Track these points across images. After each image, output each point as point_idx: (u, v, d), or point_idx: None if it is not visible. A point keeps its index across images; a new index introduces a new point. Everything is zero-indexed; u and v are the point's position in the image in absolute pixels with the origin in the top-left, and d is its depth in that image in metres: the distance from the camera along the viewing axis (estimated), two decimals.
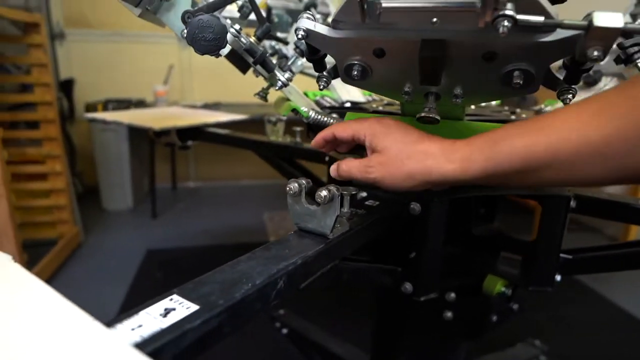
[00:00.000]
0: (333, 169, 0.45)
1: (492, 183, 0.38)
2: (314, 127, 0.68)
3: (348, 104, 0.83)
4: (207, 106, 2.56)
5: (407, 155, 0.39)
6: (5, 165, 1.53)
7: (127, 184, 2.61)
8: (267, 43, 0.88)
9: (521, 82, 0.40)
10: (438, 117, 0.44)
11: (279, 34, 0.95)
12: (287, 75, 0.60)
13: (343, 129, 0.45)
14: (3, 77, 1.89)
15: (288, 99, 0.67)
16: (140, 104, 2.63)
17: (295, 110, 0.65)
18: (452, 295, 0.70)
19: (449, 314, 0.72)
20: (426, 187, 0.40)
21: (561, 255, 0.65)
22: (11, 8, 2.43)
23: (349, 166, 0.43)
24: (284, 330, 1.29)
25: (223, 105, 2.66)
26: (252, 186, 3.14)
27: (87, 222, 2.26)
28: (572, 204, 0.63)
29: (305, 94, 0.76)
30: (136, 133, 2.53)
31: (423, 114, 0.45)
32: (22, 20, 1.73)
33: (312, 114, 0.63)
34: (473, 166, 0.36)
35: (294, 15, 1.00)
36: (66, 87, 2.63)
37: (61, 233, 1.98)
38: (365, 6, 0.35)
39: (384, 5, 0.34)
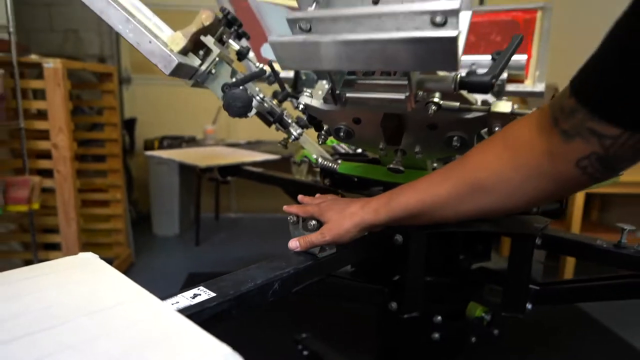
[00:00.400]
0: (295, 245, 0.56)
1: (402, 223, 0.53)
2: (324, 170, 0.84)
3: (360, 150, 0.98)
4: (250, 144, 2.80)
5: (342, 218, 0.54)
6: (77, 194, 1.80)
7: (176, 212, 2.87)
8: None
9: (459, 145, 0.54)
10: (402, 169, 0.59)
11: (305, 89, 1.13)
12: (299, 130, 0.76)
13: (304, 211, 0.59)
14: (80, 117, 2.21)
15: (302, 147, 0.83)
16: (192, 140, 2.92)
17: (307, 157, 0.82)
18: (439, 318, 0.81)
19: (436, 335, 0.83)
20: (362, 233, 0.55)
21: (531, 286, 0.75)
22: (90, 56, 2.84)
23: (307, 240, 0.56)
24: (305, 352, 1.41)
25: (263, 143, 2.90)
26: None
27: (139, 245, 2.51)
28: (538, 241, 0.74)
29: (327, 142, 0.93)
30: (186, 167, 2.80)
31: (391, 166, 0.59)
32: (99, 71, 2.05)
33: (320, 160, 0.79)
34: (381, 215, 0.51)
35: (320, 73, 1.18)
36: (129, 125, 2.98)
37: (116, 254, 2.23)
38: (336, 96, 0.51)
39: (347, 95, 0.50)
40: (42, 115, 1.76)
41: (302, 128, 0.78)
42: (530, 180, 0.43)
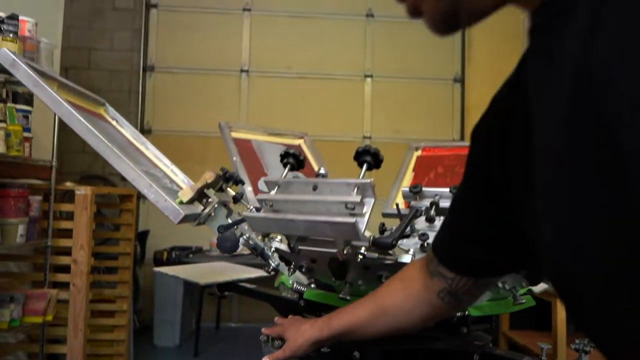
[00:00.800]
0: None
1: (341, 339, 0.68)
2: (297, 293, 1.01)
3: None
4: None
5: (298, 335, 0.70)
6: (88, 305, 1.95)
7: (177, 323, 2.95)
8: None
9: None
10: (348, 298, 0.77)
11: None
12: (277, 262, 0.96)
13: (272, 331, 0.77)
14: (99, 233, 2.45)
15: (282, 273, 1.02)
16: (199, 251, 3.11)
17: (284, 282, 1.00)
18: None
19: None
20: (313, 347, 0.70)
21: None
22: (114, 174, 3.18)
23: (273, 356, 0.71)
24: None
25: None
26: None
27: (138, 355, 2.55)
28: (476, 357, 0.88)
29: None
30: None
31: (340, 295, 0.77)
32: (121, 193, 2.35)
33: (295, 286, 0.98)
34: (324, 332, 0.67)
35: None
36: (142, 236, 3.21)
37: None
38: (291, 248, 0.72)
39: (299, 247, 0.71)
40: (66, 232, 2.00)
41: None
42: (416, 306, 0.60)
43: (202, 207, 1.00)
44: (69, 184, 1.98)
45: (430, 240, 1.20)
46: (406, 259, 0.68)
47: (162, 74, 3.45)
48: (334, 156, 3.34)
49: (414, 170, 1.89)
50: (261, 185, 1.57)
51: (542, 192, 0.34)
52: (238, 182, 1.11)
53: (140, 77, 3.43)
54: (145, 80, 3.45)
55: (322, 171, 0.94)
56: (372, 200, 0.64)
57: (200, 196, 1.00)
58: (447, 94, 3.48)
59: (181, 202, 0.96)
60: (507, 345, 2.61)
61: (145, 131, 3.42)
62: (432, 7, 0.38)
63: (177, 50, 3.45)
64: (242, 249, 0.96)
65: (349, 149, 3.41)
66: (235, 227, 0.96)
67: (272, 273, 1.00)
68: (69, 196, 1.99)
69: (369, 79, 3.45)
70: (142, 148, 1.31)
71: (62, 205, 1.97)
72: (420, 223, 1.39)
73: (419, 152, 1.98)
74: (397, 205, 1.60)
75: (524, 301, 0.85)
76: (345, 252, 0.66)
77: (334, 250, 0.68)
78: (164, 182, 1.18)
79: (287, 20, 3.47)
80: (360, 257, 0.67)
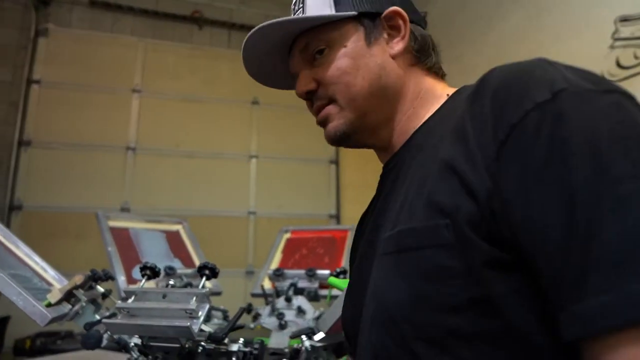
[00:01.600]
0: None
1: None
2: None
3: None
4: None
5: None
6: None
7: None
8: None
9: None
10: None
11: None
12: (137, 354, 1.10)
13: None
14: None
15: None
16: (69, 335, 2.92)
17: None
18: None
19: None
20: None
21: None
22: None
23: None
24: None
25: None
26: None
27: None
28: None
29: None
30: None
31: None
32: None
33: None
34: None
35: None
36: (1, 323, 2.93)
37: None
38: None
39: (151, 343, 0.89)
40: None
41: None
42: None
43: (71, 306, 1.12)
44: None
45: (287, 318, 1.44)
46: (234, 347, 0.90)
47: (40, 149, 3.37)
48: (222, 230, 3.52)
49: (282, 251, 2.16)
50: (135, 273, 1.70)
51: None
52: (108, 278, 1.25)
53: (14, 151, 3.30)
54: (20, 155, 3.32)
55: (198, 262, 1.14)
56: (207, 305, 0.86)
57: (69, 296, 1.12)
58: (324, 174, 3.94)
59: (49, 304, 1.08)
60: None
61: (15, 207, 3.23)
62: (336, 125, 0.55)
63: (59, 126, 3.42)
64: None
65: (236, 223, 3.71)
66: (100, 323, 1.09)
67: None
68: None
69: (254, 159, 3.77)
70: (12, 247, 1.37)
71: None
72: (281, 302, 1.64)
73: (288, 235, 2.28)
74: (262, 286, 1.85)
75: None
76: (187, 345, 0.86)
77: (178, 346, 0.88)
78: (34, 281, 1.26)
79: (177, 103, 3.69)
80: (201, 348, 0.88)
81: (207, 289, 0.87)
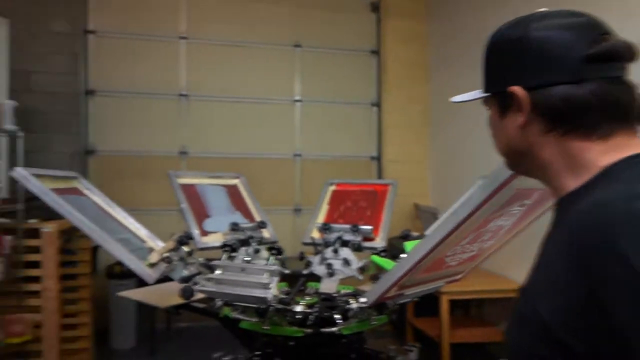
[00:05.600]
0: None
1: None
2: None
3: None
4: None
5: None
6: (59, 323, 2.29)
7: (132, 327, 3.31)
8: None
9: None
10: (268, 327, 1.26)
11: None
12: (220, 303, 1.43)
13: None
14: (62, 257, 2.74)
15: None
16: None
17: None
18: None
19: None
20: None
21: None
22: None
23: None
24: None
25: None
26: None
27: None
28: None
29: None
30: (144, 284, 3.31)
31: (263, 327, 1.26)
32: None
33: (233, 314, 1.45)
34: None
35: None
36: (93, 251, 3.49)
37: None
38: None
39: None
40: (36, 265, 2.30)
41: None
42: None
43: (165, 264, 1.43)
44: (33, 222, 2.28)
45: (335, 267, 1.72)
46: (298, 309, 1.18)
47: (103, 97, 3.68)
48: (269, 171, 3.82)
49: (329, 203, 2.41)
50: (206, 225, 2.02)
51: None
52: (190, 240, 1.56)
53: (82, 100, 3.63)
54: (87, 103, 3.66)
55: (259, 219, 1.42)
56: (277, 278, 1.12)
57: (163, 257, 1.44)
58: (366, 116, 4.05)
59: (150, 264, 1.40)
60: (412, 330, 3.27)
61: (89, 152, 3.65)
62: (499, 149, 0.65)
63: (117, 75, 3.69)
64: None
65: (282, 164, 4.05)
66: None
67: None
68: (34, 232, 2.29)
69: (298, 104, 3.92)
70: (111, 211, 1.70)
71: (30, 241, 2.28)
72: (329, 252, 1.93)
73: (333, 187, 2.51)
74: (312, 238, 2.14)
75: (375, 322, 1.37)
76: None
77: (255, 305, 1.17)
78: (135, 242, 1.59)
79: (222, 48, 3.81)
80: (272, 308, 1.16)
81: (277, 267, 1.13)
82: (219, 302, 1.40)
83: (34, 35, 3.57)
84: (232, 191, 2.28)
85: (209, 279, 1.19)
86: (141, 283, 3.29)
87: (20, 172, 1.26)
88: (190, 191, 2.15)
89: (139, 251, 1.51)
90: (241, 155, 3.79)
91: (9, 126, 2.24)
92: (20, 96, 3.53)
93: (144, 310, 3.46)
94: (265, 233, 2.00)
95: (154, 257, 1.40)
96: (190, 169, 3.72)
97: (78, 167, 3.41)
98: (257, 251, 1.67)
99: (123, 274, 3.24)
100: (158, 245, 1.66)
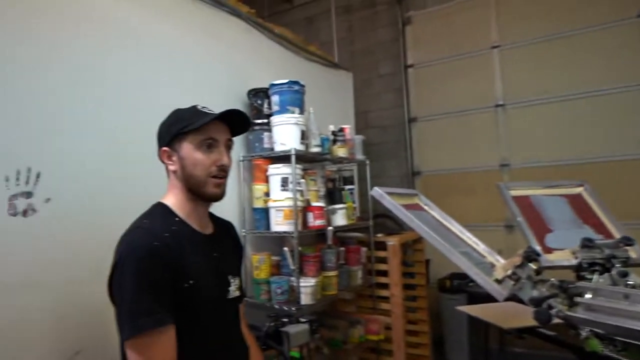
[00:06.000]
0: None
1: None
2: None
3: None
4: None
5: None
6: (405, 327, 2.54)
7: (465, 342, 3.32)
8: None
9: None
10: None
11: None
12: (587, 331, 1.19)
13: None
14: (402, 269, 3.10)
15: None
16: None
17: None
18: None
19: None
20: None
21: None
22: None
23: None
24: None
25: None
26: None
27: None
28: None
29: None
30: (474, 300, 3.29)
31: None
32: (413, 238, 2.92)
33: (604, 351, 1.18)
34: None
35: None
36: (427, 264, 3.77)
37: None
38: None
39: (614, 337, 0.95)
40: (383, 273, 2.67)
41: None
42: None
43: (512, 281, 1.33)
44: (380, 236, 2.66)
45: None
46: None
47: (424, 122, 4.00)
48: (615, 177, 3.10)
49: None
50: (549, 241, 1.79)
51: None
52: (537, 257, 1.40)
53: (406, 128, 4.06)
54: (410, 130, 4.06)
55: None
56: None
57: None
58: None
59: (496, 280, 1.33)
60: None
61: (415, 173, 4.01)
62: None
63: (434, 99, 3.93)
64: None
65: (631, 167, 3.23)
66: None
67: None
68: (382, 244, 2.65)
69: None
70: (448, 225, 1.75)
71: (379, 252, 2.66)
72: None
73: None
74: None
75: None
76: None
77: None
78: (475, 256, 1.57)
79: (537, 47, 3.45)
80: None
81: None
82: (584, 333, 1.17)
83: (367, 81, 4.30)
84: (576, 201, 1.95)
85: (572, 304, 1.00)
86: (472, 299, 3.29)
87: (377, 191, 1.47)
88: (524, 203, 1.97)
89: (481, 266, 1.47)
90: (575, 161, 3.26)
91: (359, 156, 2.72)
92: (360, 132, 4.31)
93: (476, 326, 3.42)
94: (632, 253, 1.59)
95: (499, 273, 1.33)
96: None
97: (407, 188, 3.80)
98: (624, 274, 1.33)
99: (453, 289, 3.33)
100: (498, 260, 1.58)
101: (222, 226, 1.29)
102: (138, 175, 1.60)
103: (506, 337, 3.57)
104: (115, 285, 0.99)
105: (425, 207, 1.80)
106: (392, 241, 2.54)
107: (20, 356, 1.26)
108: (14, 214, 1.30)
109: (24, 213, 1.33)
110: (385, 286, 2.61)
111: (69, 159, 1.45)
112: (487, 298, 2.76)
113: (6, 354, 1.23)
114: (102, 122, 1.57)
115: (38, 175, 1.36)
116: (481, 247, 1.66)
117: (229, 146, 1.15)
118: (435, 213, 1.79)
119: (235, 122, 1.16)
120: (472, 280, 3.28)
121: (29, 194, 1.35)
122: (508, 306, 2.36)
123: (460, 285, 3.30)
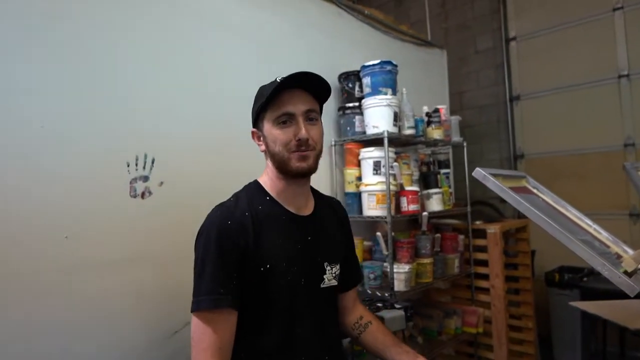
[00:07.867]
0: None
1: None
2: None
3: None
4: None
5: None
6: (507, 322, 2.36)
7: (577, 342, 2.99)
8: None
9: None
10: None
11: None
12: None
13: None
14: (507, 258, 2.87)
15: None
16: (591, 273, 3.05)
17: None
18: None
19: None
20: None
21: None
22: (493, 199, 3.59)
23: None
24: None
25: None
26: None
27: None
28: None
29: None
30: (588, 297, 2.94)
31: None
32: (517, 226, 2.69)
33: None
34: None
35: None
36: (532, 255, 3.46)
37: None
38: None
39: None
40: (481, 261, 2.50)
41: None
42: None
43: None
44: (478, 223, 2.49)
45: None
46: None
47: (528, 101, 3.63)
48: None
49: None
50: None
51: None
52: None
53: (508, 107, 3.73)
54: (513, 109, 3.72)
55: None
56: None
57: None
58: None
59: (625, 272, 1.15)
60: None
61: (517, 156, 3.68)
62: None
63: (540, 74, 3.55)
64: None
65: None
66: None
67: None
68: (481, 232, 2.48)
69: None
70: (562, 210, 1.56)
71: (477, 240, 2.49)
72: None
73: None
74: None
75: None
76: None
77: None
78: (597, 246, 1.38)
79: None
80: None
81: None
82: None
83: (463, 59, 4.03)
84: None
85: None
86: (585, 295, 2.94)
87: (480, 172, 1.35)
88: None
89: (605, 256, 1.29)
90: None
91: (456, 138, 2.56)
92: (455, 114, 4.07)
93: (591, 325, 3.06)
94: None
95: (629, 264, 1.15)
96: None
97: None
98: None
99: (564, 283, 3.01)
100: (626, 251, 1.37)
101: (326, 206, 1.22)
102: (247, 156, 1.58)
103: (629, 339, 3.14)
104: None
105: (534, 191, 1.63)
106: (493, 229, 2.36)
107: (132, 325, 1.40)
108: (134, 196, 1.44)
109: (142, 195, 1.46)
110: (484, 277, 2.44)
111: (181, 145, 1.57)
112: (604, 295, 2.46)
113: (117, 322, 1.37)
114: (215, 112, 1.67)
115: (153, 161, 1.49)
116: (604, 235, 1.45)
117: (310, 117, 1.04)
118: (547, 197, 1.61)
119: (314, 86, 1.05)
120: (587, 274, 2.95)
121: (145, 178, 1.48)
122: (632, 304, 2.06)
123: (572, 280, 2.97)
